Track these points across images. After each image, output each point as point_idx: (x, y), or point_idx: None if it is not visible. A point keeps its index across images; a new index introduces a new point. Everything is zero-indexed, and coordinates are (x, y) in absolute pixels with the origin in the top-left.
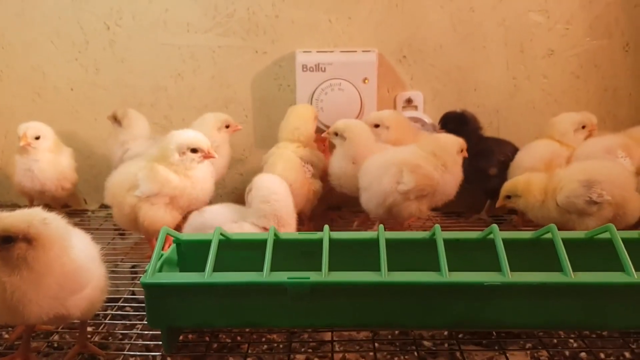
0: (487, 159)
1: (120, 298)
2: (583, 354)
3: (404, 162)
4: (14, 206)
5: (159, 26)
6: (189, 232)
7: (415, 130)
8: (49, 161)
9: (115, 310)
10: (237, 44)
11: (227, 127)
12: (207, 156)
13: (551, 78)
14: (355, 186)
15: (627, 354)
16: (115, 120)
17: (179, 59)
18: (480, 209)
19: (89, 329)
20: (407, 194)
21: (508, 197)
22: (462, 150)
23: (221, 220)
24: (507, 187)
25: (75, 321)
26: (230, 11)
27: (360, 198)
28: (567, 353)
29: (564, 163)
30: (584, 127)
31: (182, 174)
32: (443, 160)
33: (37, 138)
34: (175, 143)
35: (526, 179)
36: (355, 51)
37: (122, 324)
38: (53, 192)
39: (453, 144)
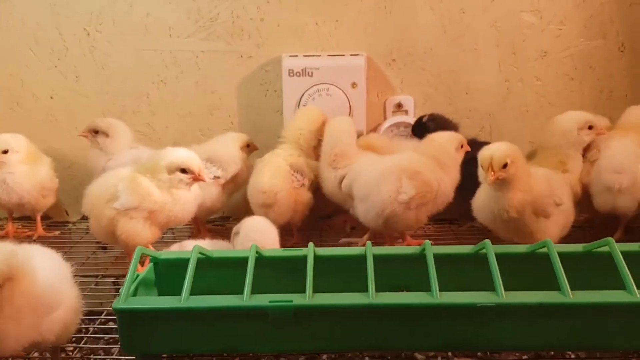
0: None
1: (103, 311)
2: None
3: (402, 169)
4: None
5: (140, 31)
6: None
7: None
8: (24, 173)
9: (98, 325)
10: (221, 48)
11: (248, 146)
12: (196, 178)
13: (545, 80)
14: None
15: None
16: (97, 132)
17: (162, 64)
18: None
19: (69, 346)
20: (408, 204)
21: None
22: (461, 146)
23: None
24: None
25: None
26: (213, 15)
27: (356, 210)
28: None
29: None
30: (590, 127)
31: (165, 190)
32: (442, 162)
33: (5, 152)
34: (166, 160)
35: None
36: (343, 55)
37: (104, 339)
38: (33, 204)
39: (450, 141)
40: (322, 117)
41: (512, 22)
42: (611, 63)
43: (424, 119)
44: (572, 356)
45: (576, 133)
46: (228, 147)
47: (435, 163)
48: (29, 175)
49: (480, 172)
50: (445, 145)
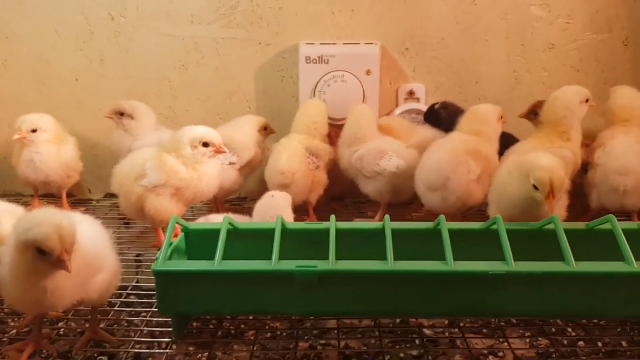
0: None
1: (129, 285)
2: (581, 343)
3: (465, 152)
4: (18, 195)
5: (163, 17)
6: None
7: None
8: (51, 152)
9: (122, 298)
10: (240, 35)
11: (265, 129)
12: (218, 151)
13: (551, 71)
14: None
15: (624, 343)
16: (122, 114)
17: (183, 50)
18: None
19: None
20: (476, 181)
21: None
22: (501, 117)
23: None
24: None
25: (87, 308)
26: (234, 3)
27: (428, 200)
28: (565, 342)
29: None
30: (587, 100)
31: (191, 167)
32: (487, 134)
33: (34, 131)
34: (187, 136)
35: None
36: (358, 43)
37: (127, 312)
38: (58, 182)
39: (492, 112)
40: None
41: (521, 15)
42: (615, 56)
43: (436, 106)
44: (573, 334)
45: (579, 106)
46: (243, 132)
47: (480, 138)
48: (56, 155)
49: (531, 190)
50: (488, 116)
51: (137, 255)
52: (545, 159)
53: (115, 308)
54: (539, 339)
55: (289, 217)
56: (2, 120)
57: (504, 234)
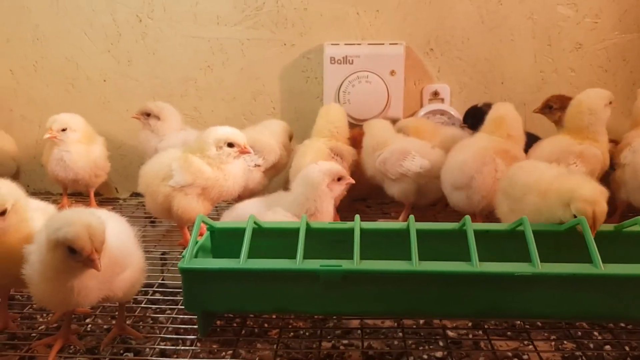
0: None
1: (154, 283)
2: (608, 347)
3: (494, 151)
4: (47, 194)
5: (189, 19)
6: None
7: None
8: (80, 152)
9: (148, 296)
10: (265, 36)
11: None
12: (243, 151)
13: (579, 71)
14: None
15: None
16: (149, 115)
17: (209, 51)
18: None
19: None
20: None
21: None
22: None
23: (253, 211)
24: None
25: (114, 305)
26: (259, 4)
27: (451, 198)
28: (591, 345)
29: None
30: (610, 102)
31: (216, 167)
32: (510, 134)
33: (64, 130)
34: (213, 137)
35: None
36: (383, 44)
37: (153, 309)
38: (87, 180)
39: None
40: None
41: (548, 15)
42: None
43: (480, 105)
44: (599, 337)
45: (603, 109)
46: (270, 134)
47: (507, 139)
48: (85, 154)
49: (570, 219)
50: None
51: (163, 253)
52: (589, 189)
53: (142, 305)
54: (565, 342)
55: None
56: (32, 121)
57: (531, 235)
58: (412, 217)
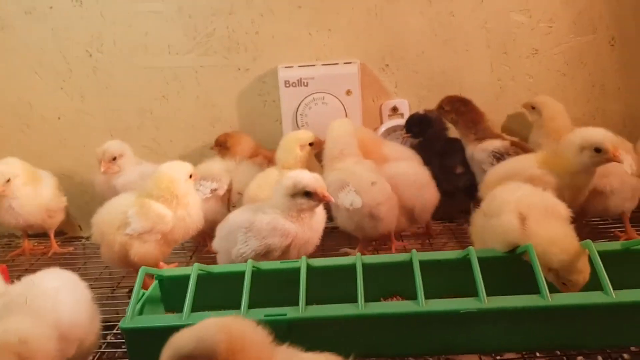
0: (453, 158)
1: (119, 319)
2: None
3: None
4: (11, 236)
5: (140, 50)
6: (219, 242)
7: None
8: (28, 196)
9: (115, 331)
10: (219, 63)
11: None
12: (195, 178)
13: (537, 77)
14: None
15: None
16: (115, 159)
17: (162, 81)
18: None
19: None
20: None
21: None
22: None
23: (246, 217)
24: None
25: None
26: (209, 30)
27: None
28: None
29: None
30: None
31: (178, 205)
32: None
33: (8, 181)
34: (181, 173)
35: None
36: (337, 63)
37: (122, 348)
38: (41, 223)
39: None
40: (311, 137)
41: (502, 22)
42: (602, 57)
43: (421, 112)
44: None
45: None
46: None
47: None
48: (33, 198)
49: (594, 157)
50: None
51: (130, 289)
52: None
53: (106, 350)
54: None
55: None
56: None
57: (477, 267)
58: (358, 254)
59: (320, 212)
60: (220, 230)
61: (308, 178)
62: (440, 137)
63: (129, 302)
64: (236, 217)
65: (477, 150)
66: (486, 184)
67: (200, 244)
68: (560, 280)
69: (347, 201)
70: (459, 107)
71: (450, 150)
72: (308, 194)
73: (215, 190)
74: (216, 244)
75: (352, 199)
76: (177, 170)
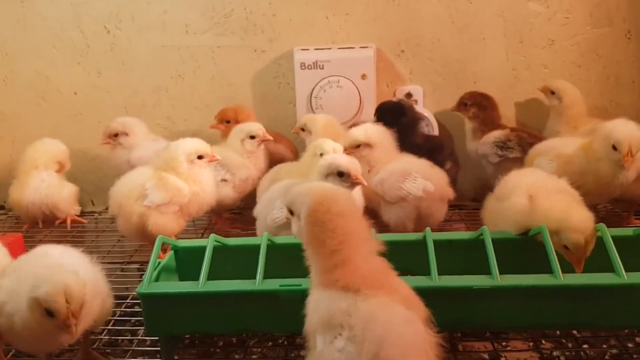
0: (440, 154)
1: (128, 295)
2: (585, 345)
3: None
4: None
5: (158, 28)
6: (259, 209)
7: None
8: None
9: (124, 308)
10: (235, 43)
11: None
12: (212, 159)
13: (552, 68)
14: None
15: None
16: (117, 135)
17: (179, 59)
18: None
19: (101, 326)
20: None
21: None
22: None
23: (284, 187)
24: None
25: None
26: (227, 11)
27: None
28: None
29: None
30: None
31: (191, 181)
32: None
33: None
34: (183, 152)
35: None
36: (353, 47)
37: (130, 322)
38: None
39: None
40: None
41: (519, 12)
42: (618, 50)
43: (395, 99)
44: (578, 335)
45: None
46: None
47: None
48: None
49: (611, 152)
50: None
51: (141, 264)
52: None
53: (115, 318)
54: (543, 341)
55: None
56: (4, 137)
57: (490, 246)
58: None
59: (358, 195)
60: (262, 199)
61: (343, 159)
62: (413, 127)
63: (138, 278)
64: (278, 187)
65: (480, 145)
66: (530, 155)
67: (211, 221)
68: (562, 243)
69: (417, 188)
70: (482, 102)
71: (435, 147)
72: (341, 174)
73: (225, 180)
74: (257, 210)
75: (423, 184)
76: (184, 148)
